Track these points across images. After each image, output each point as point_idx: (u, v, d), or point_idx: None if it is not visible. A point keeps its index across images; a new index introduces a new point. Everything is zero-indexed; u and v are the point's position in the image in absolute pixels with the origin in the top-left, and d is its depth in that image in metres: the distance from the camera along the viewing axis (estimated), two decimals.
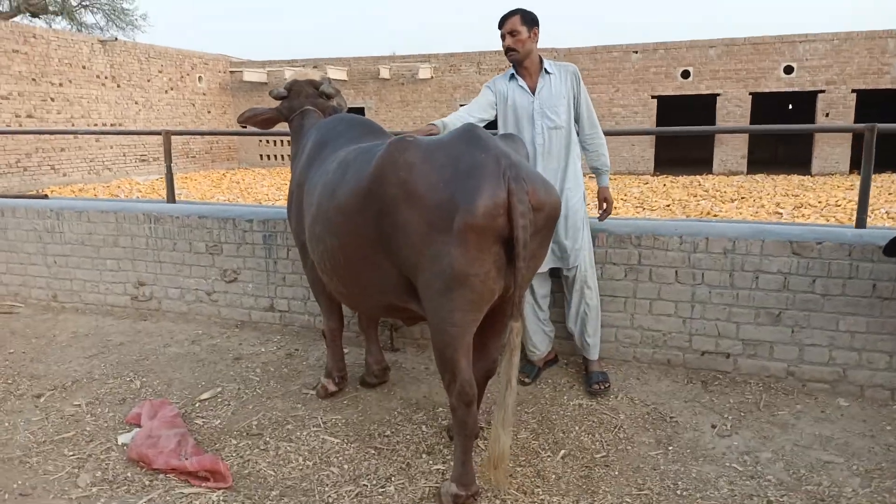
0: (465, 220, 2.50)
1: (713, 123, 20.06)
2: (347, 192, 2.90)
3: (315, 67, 23.24)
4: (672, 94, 19.97)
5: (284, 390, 4.01)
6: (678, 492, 2.90)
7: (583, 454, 3.22)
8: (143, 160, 22.67)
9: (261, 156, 26.25)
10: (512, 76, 3.84)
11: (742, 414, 3.53)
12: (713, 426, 3.41)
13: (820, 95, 19.30)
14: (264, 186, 18.10)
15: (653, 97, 20.10)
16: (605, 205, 3.91)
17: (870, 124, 4.02)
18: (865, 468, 3.04)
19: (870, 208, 11.66)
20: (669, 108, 20.40)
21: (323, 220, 3.07)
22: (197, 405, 3.84)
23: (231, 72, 25.91)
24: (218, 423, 3.62)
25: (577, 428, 3.45)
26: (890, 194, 14.34)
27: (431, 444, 3.35)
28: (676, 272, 3.87)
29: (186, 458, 3.16)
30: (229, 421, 3.64)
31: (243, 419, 3.65)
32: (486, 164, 2.59)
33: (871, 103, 19.94)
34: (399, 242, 2.69)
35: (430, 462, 3.19)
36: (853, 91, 19.11)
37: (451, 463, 3.06)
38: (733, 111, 19.76)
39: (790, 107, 24.01)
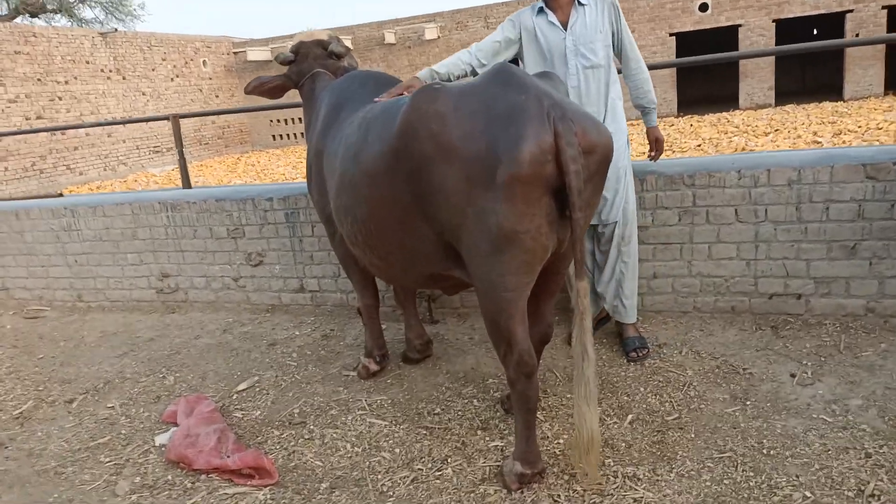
0: (509, 170, 2.21)
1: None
2: (373, 155, 2.62)
3: None
4: (691, 29, 19.13)
5: (324, 374, 3.79)
6: (764, 451, 2.62)
7: (652, 417, 2.95)
8: (157, 151, 22.55)
9: (273, 136, 25.98)
10: (540, 10, 3.40)
11: (822, 359, 3.22)
12: (792, 375, 3.11)
13: (848, 16, 18.29)
14: (280, 166, 17.88)
15: (671, 35, 19.28)
16: (656, 145, 3.53)
17: None
18: None
19: None
20: (689, 45, 19.47)
21: (349, 189, 2.80)
22: (234, 397, 3.64)
23: (235, 52, 25.52)
24: (258, 415, 3.42)
25: (642, 390, 3.18)
26: None
27: (486, 420, 3.11)
28: (736, 211, 3.53)
29: (228, 456, 2.96)
30: (269, 411, 3.44)
31: (284, 408, 3.45)
32: (527, 106, 2.28)
33: None
34: (437, 204, 2.42)
35: (487, 439, 2.95)
36: (883, 8, 18.07)
37: (512, 439, 2.82)
38: (757, 41, 18.83)
39: (815, 32, 22.89)
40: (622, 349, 3.55)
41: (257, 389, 3.70)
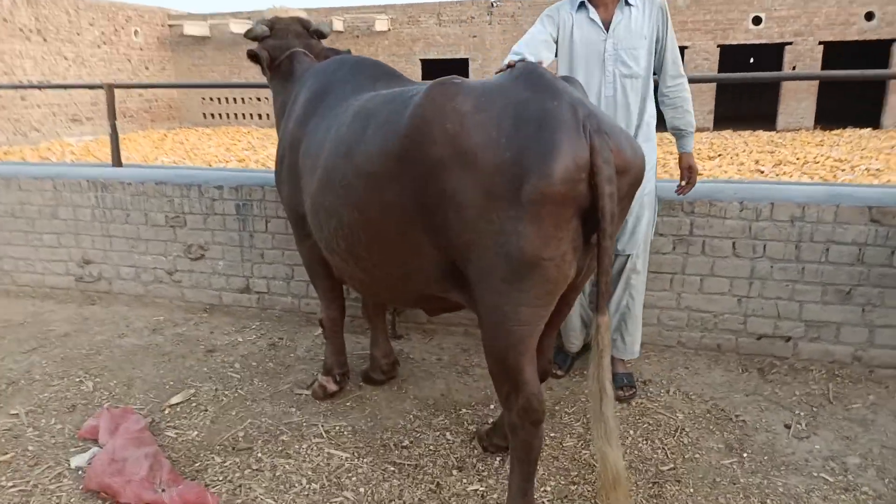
0: (539, 187, 1.90)
1: None
2: (372, 153, 2.24)
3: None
4: None
5: (273, 390, 3.36)
6: None
7: (646, 466, 2.70)
8: (76, 120, 20.97)
9: (204, 114, 24.73)
10: (581, 4, 3.02)
11: (814, 409, 3.07)
12: (786, 426, 2.94)
13: (787, 48, 19.09)
14: (211, 146, 16.93)
15: None
16: (688, 174, 3.16)
17: None
18: None
19: (849, 165, 11.54)
20: None
21: (336, 189, 2.40)
22: (167, 412, 3.17)
23: (170, 25, 24.13)
24: (195, 436, 2.96)
25: (632, 433, 2.93)
26: (863, 149, 14.25)
27: (461, 458, 2.78)
28: (734, 244, 3.35)
29: (163, 489, 2.52)
30: (209, 432, 2.99)
31: (226, 429, 3.01)
32: (560, 114, 1.98)
33: (838, 56, 19.83)
34: (446, 217, 2.08)
35: (465, 481, 2.63)
36: (820, 43, 18.94)
37: (492, 482, 2.55)
38: (701, 65, 19.35)
39: (751, 60, 23.75)
40: None
41: (194, 404, 3.23)
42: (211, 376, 3.51)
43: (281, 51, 3.19)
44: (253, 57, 3.20)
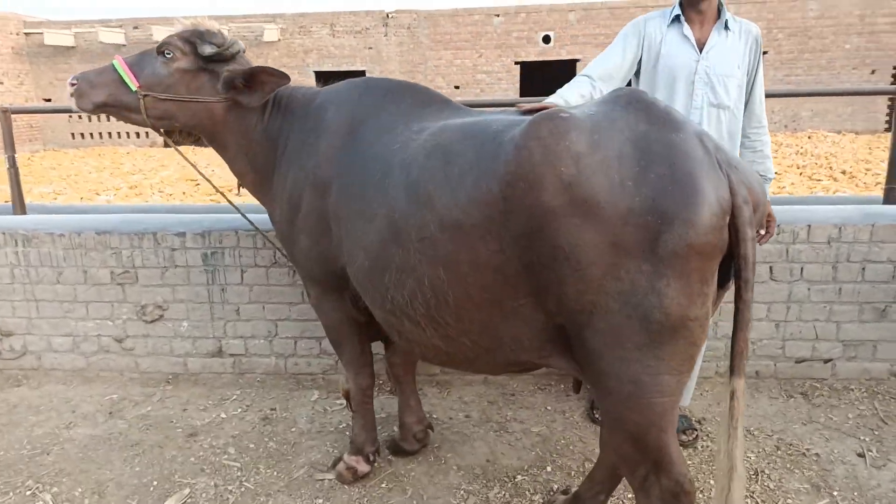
0: (685, 238, 1.65)
1: None
2: (461, 202, 1.87)
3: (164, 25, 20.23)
4: (534, 59, 19.80)
5: (286, 478, 2.82)
6: None
7: None
8: None
9: (73, 134, 22.47)
10: (675, 18, 2.68)
11: (875, 433, 2.98)
12: (859, 455, 2.82)
13: None
14: (92, 172, 15.24)
15: (516, 63, 19.80)
16: (767, 223, 2.61)
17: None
18: None
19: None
20: (532, 74, 20.22)
21: (412, 242, 1.98)
22: None
23: (26, 34, 21.72)
24: None
25: (711, 482, 2.69)
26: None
27: None
28: (771, 268, 3.21)
29: None
30: None
31: None
32: (691, 149, 1.73)
33: None
34: (560, 276, 1.75)
35: None
36: None
37: None
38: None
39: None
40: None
41: None
42: (203, 468, 2.91)
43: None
44: (229, 84, 2.57)
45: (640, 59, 2.73)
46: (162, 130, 2.67)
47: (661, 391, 1.77)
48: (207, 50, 2.52)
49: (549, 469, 2.83)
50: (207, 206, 4.02)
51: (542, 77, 20.56)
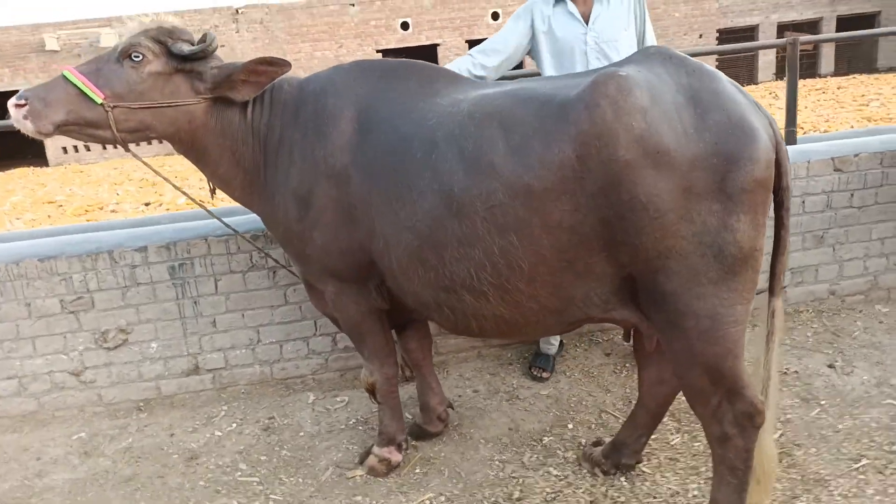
0: (752, 174, 1.84)
1: None
2: (533, 165, 1.92)
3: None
4: (395, 46, 19.84)
5: (316, 483, 2.72)
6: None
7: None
8: None
9: None
10: None
11: (833, 345, 3.35)
12: (830, 366, 3.17)
13: None
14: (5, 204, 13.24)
15: (377, 51, 19.73)
16: None
17: (792, 38, 4.08)
18: None
19: None
20: None
21: (476, 213, 2.00)
22: None
23: None
24: None
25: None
26: None
27: (587, 490, 2.51)
28: None
29: None
30: None
31: None
32: (736, 96, 1.94)
33: None
34: (639, 226, 1.87)
35: None
36: None
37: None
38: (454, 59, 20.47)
39: None
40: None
41: None
42: (218, 489, 2.73)
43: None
44: (226, 81, 2.39)
45: (536, 39, 2.99)
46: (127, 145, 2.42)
47: (736, 320, 1.93)
48: (186, 49, 2.33)
49: (570, 426, 2.93)
50: (162, 215, 3.70)
51: None
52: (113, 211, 9.51)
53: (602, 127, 1.82)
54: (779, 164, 1.92)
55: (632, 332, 2.44)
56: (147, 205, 9.78)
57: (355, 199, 2.26)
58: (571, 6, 2.94)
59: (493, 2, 20.21)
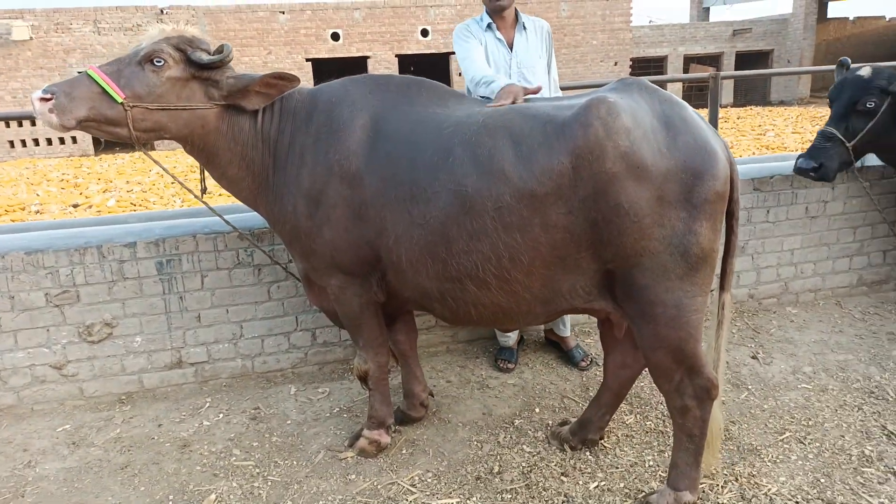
0: (713, 187, 2.23)
1: None
2: (537, 172, 2.26)
3: None
4: (325, 56, 19.90)
5: (310, 465, 2.93)
6: (819, 422, 3.07)
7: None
8: None
9: None
10: (489, 25, 3.36)
11: (754, 340, 3.88)
12: (753, 357, 3.69)
13: (451, 56, 21.55)
14: None
15: (307, 59, 19.72)
16: None
17: (713, 73, 4.67)
18: (874, 354, 3.66)
19: None
20: (325, 71, 20.27)
21: (486, 212, 2.32)
22: None
23: None
24: None
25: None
26: None
27: (559, 463, 2.85)
28: None
29: None
30: None
31: None
32: (700, 122, 2.35)
33: None
34: (620, 228, 2.23)
35: (581, 483, 2.74)
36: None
37: (615, 474, 2.78)
38: (384, 73, 20.73)
39: (412, 68, 26.22)
40: (570, 361, 3.73)
41: None
42: (216, 473, 2.88)
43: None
44: (242, 91, 2.58)
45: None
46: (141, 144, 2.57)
47: (697, 309, 2.31)
48: (205, 58, 2.50)
49: (537, 410, 3.28)
50: (150, 213, 3.77)
51: (337, 74, 20.77)
52: (38, 212, 9.12)
53: (594, 143, 2.17)
54: (731, 181, 2.34)
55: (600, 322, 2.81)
56: (76, 206, 9.43)
57: (367, 198, 2.51)
58: (499, 33, 3.34)
59: (422, 19, 20.72)
